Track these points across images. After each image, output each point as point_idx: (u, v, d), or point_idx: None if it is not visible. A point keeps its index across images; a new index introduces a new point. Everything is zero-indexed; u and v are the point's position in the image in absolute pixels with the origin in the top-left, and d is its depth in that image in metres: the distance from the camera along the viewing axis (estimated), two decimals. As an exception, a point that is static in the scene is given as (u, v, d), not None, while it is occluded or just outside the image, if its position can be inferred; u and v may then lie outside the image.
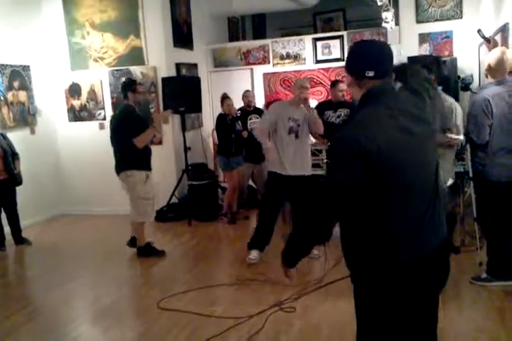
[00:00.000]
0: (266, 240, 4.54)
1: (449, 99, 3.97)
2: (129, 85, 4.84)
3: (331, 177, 1.82)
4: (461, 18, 6.68)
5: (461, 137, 3.92)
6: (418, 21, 6.84)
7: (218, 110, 6.39)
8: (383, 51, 1.87)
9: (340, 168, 1.78)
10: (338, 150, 1.79)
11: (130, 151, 4.64)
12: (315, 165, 5.41)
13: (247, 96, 6.29)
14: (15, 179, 5.46)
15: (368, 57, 1.84)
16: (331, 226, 1.87)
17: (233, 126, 5.95)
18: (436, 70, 3.69)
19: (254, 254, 4.53)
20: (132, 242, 5.08)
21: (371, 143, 1.70)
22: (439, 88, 3.26)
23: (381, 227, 1.82)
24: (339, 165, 1.78)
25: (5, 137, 5.53)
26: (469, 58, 6.39)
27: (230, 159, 5.94)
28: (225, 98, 6.18)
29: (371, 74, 1.81)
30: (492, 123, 3.50)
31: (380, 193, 1.79)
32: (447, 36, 6.70)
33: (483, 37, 4.63)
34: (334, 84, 5.76)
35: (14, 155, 5.50)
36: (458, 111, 3.98)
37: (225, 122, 6.03)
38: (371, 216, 1.82)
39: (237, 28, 9.20)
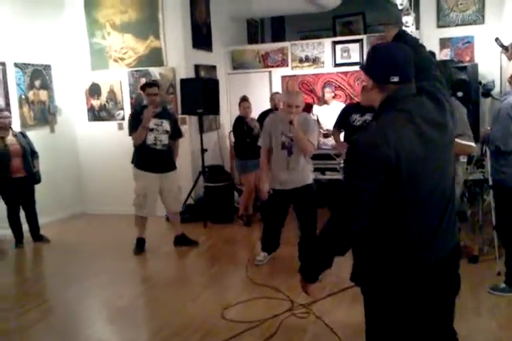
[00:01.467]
0: (273, 245, 4.58)
1: (459, 104, 3.90)
2: (141, 87, 5.15)
3: (350, 183, 1.75)
4: (483, 23, 6.60)
5: (474, 144, 3.85)
6: (439, 26, 6.77)
7: (236, 112, 6.40)
8: (407, 55, 1.82)
9: (359, 174, 1.72)
10: (358, 154, 1.73)
11: (134, 148, 5.01)
12: (332, 170, 5.42)
13: (274, 98, 6.23)
14: (33, 177, 5.52)
15: (393, 62, 1.79)
16: (352, 234, 1.79)
17: (250, 129, 5.94)
18: (442, 75, 3.56)
19: (261, 256, 4.57)
20: (177, 241, 5.27)
21: (390, 149, 1.67)
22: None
23: (395, 239, 1.79)
24: (358, 170, 1.72)
25: (25, 136, 5.60)
26: (491, 64, 6.31)
27: (247, 162, 5.93)
28: (242, 100, 6.19)
29: (396, 79, 1.76)
30: None
31: (397, 204, 1.75)
32: (468, 41, 6.63)
33: (501, 45, 4.57)
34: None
35: (33, 154, 5.57)
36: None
37: (242, 125, 6.03)
38: (384, 227, 1.79)
39: (256, 30, 9.21)
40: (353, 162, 1.77)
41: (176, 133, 5.19)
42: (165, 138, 5.00)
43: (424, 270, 1.80)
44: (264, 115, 5.97)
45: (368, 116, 5.51)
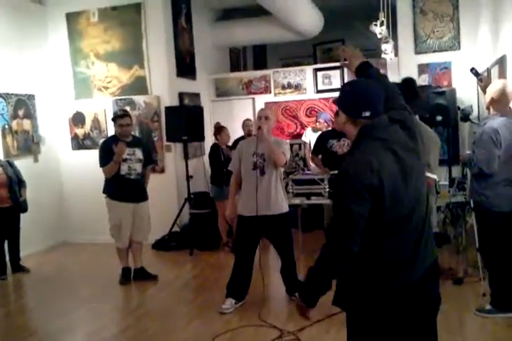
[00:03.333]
0: (243, 289, 4.21)
1: (428, 129, 3.93)
2: (112, 118, 5.09)
3: (345, 207, 1.81)
4: (459, 49, 6.79)
5: (435, 176, 3.89)
6: (417, 52, 6.95)
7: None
8: (377, 91, 1.94)
9: (351, 200, 1.79)
10: (349, 181, 1.81)
11: (105, 178, 4.96)
12: (317, 194, 5.46)
13: (248, 125, 6.37)
14: (20, 206, 5.49)
15: (364, 98, 1.90)
16: (352, 255, 1.83)
17: (227, 159, 5.94)
18: (409, 93, 3.56)
19: (227, 304, 4.12)
20: (136, 274, 5.15)
21: (374, 175, 1.78)
22: (416, 116, 3.27)
23: (378, 259, 1.89)
24: (349, 196, 1.80)
25: (12, 165, 5.59)
26: (468, 89, 6.48)
27: (223, 189, 5.90)
28: (222, 128, 6.25)
29: (367, 114, 1.88)
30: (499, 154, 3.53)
31: (380, 226, 1.86)
32: (446, 67, 6.81)
33: (476, 74, 4.70)
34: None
35: (21, 183, 5.56)
36: (438, 143, 3.99)
37: (218, 153, 6.10)
38: (368, 248, 1.86)
39: (239, 57, 9.37)
40: (345, 188, 1.84)
41: (148, 161, 5.16)
42: (139, 167, 4.98)
43: (406, 287, 1.89)
44: (237, 142, 6.06)
45: (344, 141, 5.65)
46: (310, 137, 6.87)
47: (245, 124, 6.40)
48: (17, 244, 5.59)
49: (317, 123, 6.81)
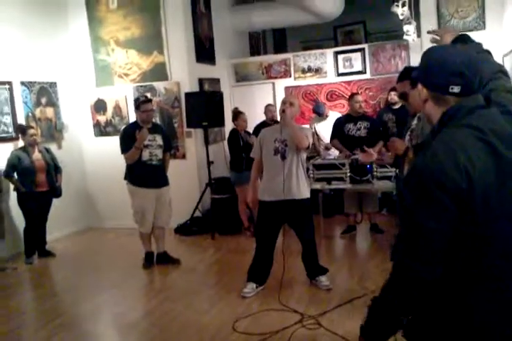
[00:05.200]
0: (264, 273, 4.25)
1: None
2: (134, 104, 5.11)
3: (415, 223, 1.36)
4: (484, 29, 6.62)
5: None
6: (440, 33, 6.80)
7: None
8: (472, 61, 1.47)
9: (426, 212, 1.33)
10: (421, 185, 1.34)
11: (126, 165, 5.00)
12: (338, 179, 5.43)
13: (271, 110, 6.35)
14: (55, 191, 5.69)
15: (454, 69, 1.43)
16: (427, 286, 1.40)
17: (246, 144, 5.94)
18: None
19: (249, 288, 4.18)
20: (158, 259, 5.23)
21: (463, 177, 1.30)
22: None
23: (464, 302, 1.37)
24: (423, 205, 1.33)
25: (49, 151, 5.78)
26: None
27: (242, 174, 5.88)
28: (240, 113, 6.23)
29: (456, 90, 1.43)
30: None
31: (469, 246, 1.35)
32: (470, 48, 6.65)
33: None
34: (351, 96, 5.84)
35: (57, 169, 5.76)
36: None
37: (237, 138, 6.08)
38: (450, 283, 1.38)
39: (258, 42, 9.29)
40: (415, 195, 1.36)
41: (167, 147, 5.19)
42: (159, 153, 5.02)
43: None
44: (258, 127, 6.04)
45: (360, 124, 5.63)
46: (317, 127, 6.81)
47: (268, 109, 6.37)
48: (45, 229, 5.75)
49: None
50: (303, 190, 4.15)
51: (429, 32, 2.13)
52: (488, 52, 1.87)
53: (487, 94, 1.56)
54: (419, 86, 1.52)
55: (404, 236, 1.41)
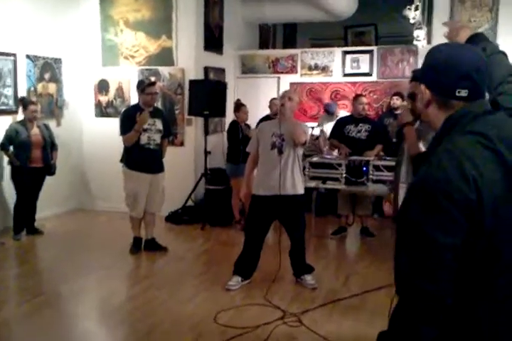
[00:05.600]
0: (251, 267, 4.23)
1: None
2: (138, 86, 5.08)
3: (422, 239, 1.23)
4: (495, 41, 6.61)
5: None
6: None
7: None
8: (481, 63, 1.35)
9: (433, 226, 1.21)
10: (426, 197, 1.23)
11: (124, 147, 4.96)
12: (333, 179, 5.43)
13: (276, 104, 6.29)
14: (49, 168, 5.64)
15: (462, 71, 1.31)
16: (445, 312, 1.24)
17: (245, 137, 5.91)
18: None
19: (234, 281, 4.16)
20: (146, 245, 5.22)
21: (470, 186, 1.21)
22: None
23: (472, 314, 1.27)
24: (430, 220, 1.21)
25: (47, 127, 5.73)
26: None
27: (238, 166, 5.83)
28: (242, 105, 6.20)
29: (464, 94, 1.32)
30: None
31: (480, 262, 1.25)
32: (479, 58, 6.64)
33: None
34: (356, 98, 5.82)
35: (53, 146, 5.71)
36: None
37: (237, 130, 6.06)
38: (457, 295, 1.26)
39: (268, 35, 9.24)
40: (422, 207, 1.24)
41: (166, 132, 5.17)
42: (158, 138, 5.00)
43: None
44: (262, 121, 6.01)
45: (361, 127, 5.62)
46: (324, 125, 6.80)
47: (273, 103, 6.33)
48: (35, 206, 5.71)
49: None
50: (297, 186, 4.13)
51: (444, 24, 2.00)
52: (504, 54, 1.74)
53: (494, 97, 1.49)
54: (422, 87, 1.39)
55: (409, 256, 1.25)
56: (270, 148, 4.08)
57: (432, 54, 1.39)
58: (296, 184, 4.11)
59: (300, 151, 4.17)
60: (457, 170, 1.21)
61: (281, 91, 7.50)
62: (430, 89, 1.37)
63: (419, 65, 7.09)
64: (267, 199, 4.10)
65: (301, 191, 4.17)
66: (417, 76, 1.46)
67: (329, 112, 6.74)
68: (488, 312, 1.26)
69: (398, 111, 6.16)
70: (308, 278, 4.24)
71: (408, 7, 5.91)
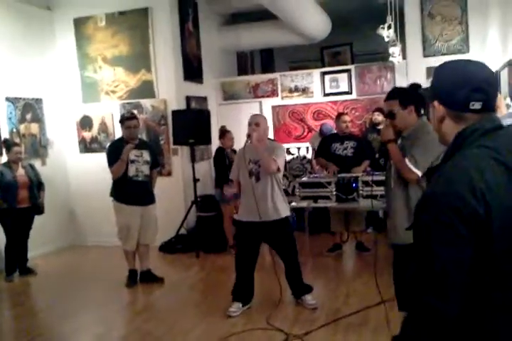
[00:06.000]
0: (248, 292, 4.20)
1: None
2: (120, 120, 5.11)
3: (429, 254, 1.23)
4: (468, 52, 6.76)
5: None
6: (425, 55, 6.92)
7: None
8: (491, 76, 1.38)
9: (440, 240, 1.21)
10: (434, 211, 1.23)
11: (113, 181, 4.97)
12: (324, 197, 5.43)
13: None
14: (38, 208, 5.60)
15: (474, 84, 1.33)
16: (448, 326, 1.25)
17: (231, 161, 5.92)
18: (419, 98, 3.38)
19: (234, 307, 4.10)
20: (142, 277, 5.14)
21: (479, 200, 1.20)
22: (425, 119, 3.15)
23: (489, 328, 1.27)
24: (437, 235, 1.22)
25: (33, 167, 5.72)
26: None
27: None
28: (226, 131, 6.25)
29: (478, 106, 1.33)
30: None
31: (492, 279, 1.24)
32: (454, 70, 6.76)
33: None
34: (338, 116, 5.88)
35: (40, 185, 5.69)
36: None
37: (223, 156, 6.09)
38: (472, 310, 1.27)
39: (246, 61, 9.38)
40: (429, 221, 1.24)
41: (155, 163, 5.17)
42: (146, 169, 4.99)
43: None
44: None
45: (347, 144, 5.65)
46: (314, 143, 6.82)
47: None
48: (26, 246, 5.63)
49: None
50: (280, 211, 4.06)
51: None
52: None
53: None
54: (435, 104, 1.41)
55: (418, 270, 1.26)
56: (248, 175, 4.04)
57: (440, 71, 1.42)
58: (278, 208, 4.05)
59: (279, 175, 4.11)
60: (466, 184, 1.21)
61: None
62: (444, 105, 1.38)
63: (397, 80, 7.24)
64: (251, 225, 4.07)
65: (284, 214, 4.10)
66: (429, 94, 1.45)
67: (323, 133, 6.71)
68: (506, 325, 1.25)
69: (380, 127, 6.22)
70: (309, 298, 4.19)
71: (381, 26, 6.05)
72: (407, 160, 3.00)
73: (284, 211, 4.12)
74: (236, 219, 4.23)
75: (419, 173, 2.98)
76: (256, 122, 4.05)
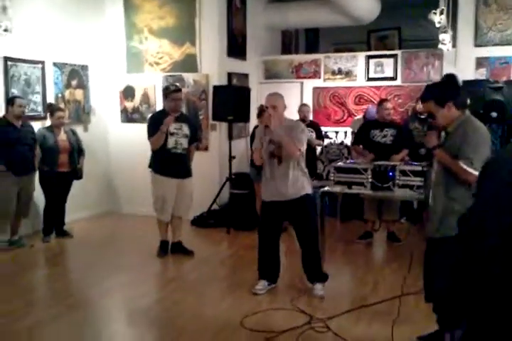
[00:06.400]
0: (274, 271, 4.23)
1: (481, 125, 3.12)
2: (163, 91, 5.16)
3: (487, 222, 1.21)
4: (523, 42, 6.52)
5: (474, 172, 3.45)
6: (476, 45, 6.70)
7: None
8: None
9: (501, 208, 1.18)
10: (498, 178, 1.22)
11: (151, 152, 5.04)
12: (359, 184, 5.38)
13: (303, 110, 6.34)
14: (76, 173, 5.76)
15: None
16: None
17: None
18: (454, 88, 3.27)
19: (260, 285, 4.16)
20: (173, 248, 5.26)
21: None
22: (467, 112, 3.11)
23: None
24: (500, 201, 1.20)
25: (74, 133, 5.86)
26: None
27: (261, 170, 5.89)
28: (264, 111, 6.20)
29: None
30: None
31: None
32: (506, 62, 6.55)
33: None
34: (380, 102, 5.76)
35: (80, 151, 5.84)
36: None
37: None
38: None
39: (291, 40, 9.26)
40: (489, 191, 1.27)
41: (193, 138, 5.21)
42: (185, 142, 5.04)
43: None
44: None
45: (387, 132, 5.56)
46: (357, 127, 6.74)
47: (301, 110, 6.35)
48: (63, 209, 5.82)
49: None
50: (301, 190, 4.02)
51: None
52: None
53: None
54: None
55: (473, 237, 1.28)
56: (269, 156, 4.02)
57: None
58: (299, 188, 4.02)
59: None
60: None
61: (304, 97, 7.57)
62: None
63: (445, 70, 7.04)
64: (272, 204, 4.10)
65: (306, 191, 4.05)
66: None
67: (368, 118, 6.62)
68: None
69: (423, 116, 6.10)
70: (319, 287, 4.11)
71: (433, 11, 5.87)
72: (461, 163, 2.93)
73: (306, 188, 4.07)
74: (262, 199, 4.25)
75: (476, 173, 2.80)
76: (272, 105, 3.91)
